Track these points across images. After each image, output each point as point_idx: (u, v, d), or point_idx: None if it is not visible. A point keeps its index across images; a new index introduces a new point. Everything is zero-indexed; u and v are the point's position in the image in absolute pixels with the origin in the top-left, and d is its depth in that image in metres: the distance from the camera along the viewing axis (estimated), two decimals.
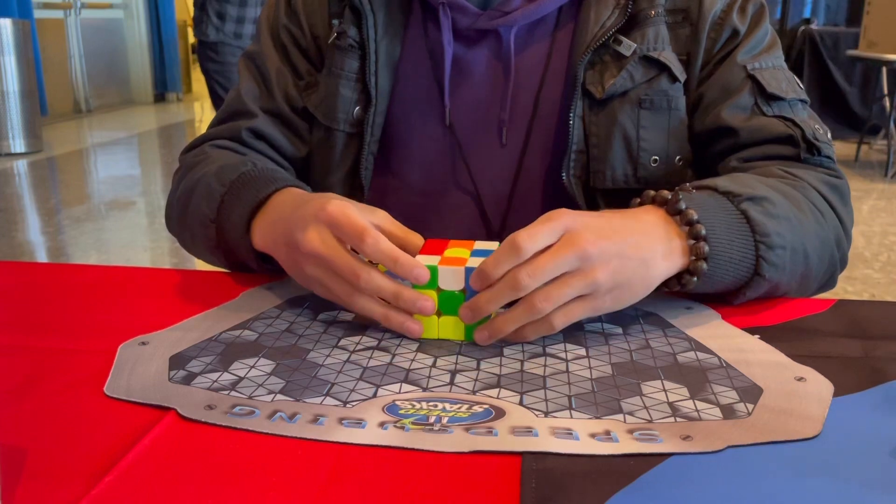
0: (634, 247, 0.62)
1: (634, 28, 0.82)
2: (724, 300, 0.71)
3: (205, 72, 3.83)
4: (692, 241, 0.65)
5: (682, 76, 0.83)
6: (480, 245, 0.66)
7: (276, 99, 0.90)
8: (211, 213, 0.76)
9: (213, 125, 0.93)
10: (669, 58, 0.82)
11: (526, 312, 0.60)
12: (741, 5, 0.84)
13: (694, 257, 0.65)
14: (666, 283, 0.67)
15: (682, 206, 0.65)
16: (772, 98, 0.81)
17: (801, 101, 0.84)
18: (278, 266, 0.72)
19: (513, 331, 0.61)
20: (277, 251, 0.70)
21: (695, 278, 0.65)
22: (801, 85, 0.85)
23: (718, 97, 0.83)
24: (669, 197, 0.67)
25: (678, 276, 0.66)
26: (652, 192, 0.69)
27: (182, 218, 0.83)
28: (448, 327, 0.64)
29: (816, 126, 0.82)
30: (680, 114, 0.83)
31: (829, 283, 0.78)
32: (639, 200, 0.70)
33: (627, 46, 0.81)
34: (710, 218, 0.66)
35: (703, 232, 0.65)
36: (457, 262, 0.63)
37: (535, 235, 0.59)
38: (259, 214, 0.73)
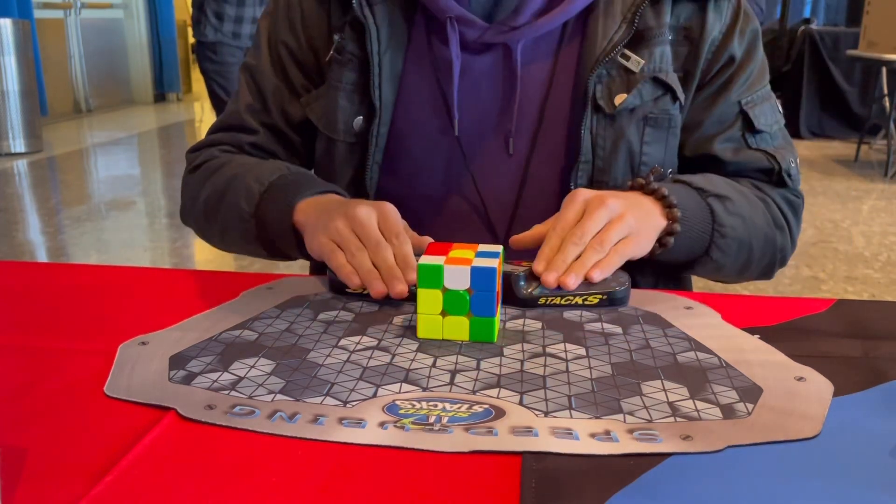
0: (637, 203, 0.76)
1: (641, 44, 0.83)
2: (678, 272, 0.86)
3: (203, 72, 3.83)
4: (667, 210, 0.78)
5: (682, 97, 0.85)
6: (484, 247, 0.67)
7: (272, 115, 0.93)
8: (250, 209, 0.82)
9: (215, 130, 0.97)
10: (673, 80, 0.85)
11: (593, 251, 0.71)
12: (740, 28, 0.87)
13: (670, 221, 0.78)
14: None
15: (654, 186, 0.79)
16: (757, 132, 0.89)
17: (780, 129, 0.92)
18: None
19: (582, 274, 0.71)
20: (316, 215, 0.77)
21: (672, 238, 0.77)
22: (780, 108, 0.93)
23: (713, 130, 0.89)
24: (643, 181, 0.80)
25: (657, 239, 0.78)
26: (641, 180, 0.80)
27: (212, 215, 0.88)
28: (452, 327, 0.64)
29: (791, 160, 0.90)
30: (677, 130, 0.88)
31: (766, 275, 0.90)
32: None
33: (636, 63, 0.83)
34: (682, 202, 0.78)
35: (675, 201, 0.78)
36: (462, 262, 0.63)
37: (568, 219, 0.73)
38: (306, 200, 0.80)
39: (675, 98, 0.85)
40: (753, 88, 0.89)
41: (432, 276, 0.63)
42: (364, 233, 0.71)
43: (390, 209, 0.74)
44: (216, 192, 0.88)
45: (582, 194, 0.74)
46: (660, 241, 0.78)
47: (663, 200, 0.78)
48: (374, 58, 0.85)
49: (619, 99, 0.83)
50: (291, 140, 0.94)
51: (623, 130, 0.84)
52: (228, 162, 0.90)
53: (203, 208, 0.90)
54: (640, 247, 0.75)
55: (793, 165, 0.90)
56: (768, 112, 0.90)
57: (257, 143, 0.94)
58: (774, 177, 0.89)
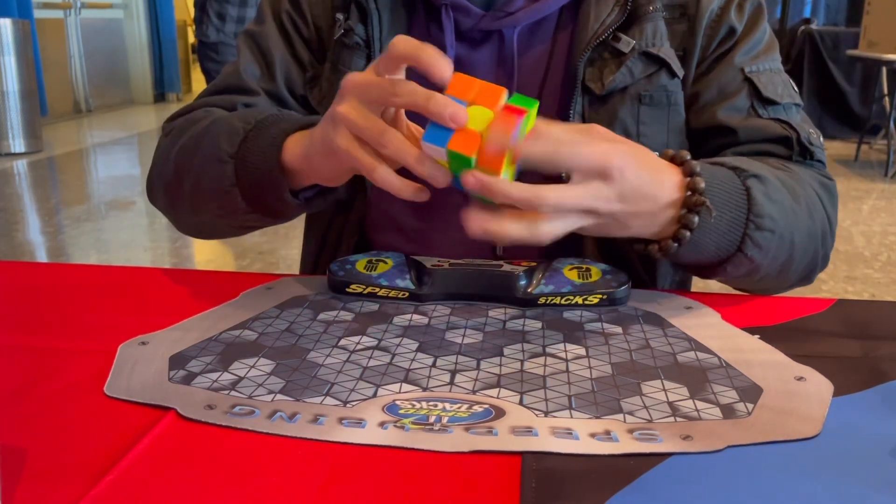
0: (644, 203, 0.63)
1: (633, 24, 0.82)
2: (705, 276, 0.72)
3: (205, 72, 3.84)
4: (684, 212, 0.65)
5: (680, 72, 0.83)
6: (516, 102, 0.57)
7: (277, 82, 0.88)
8: (231, 149, 0.73)
9: (205, 95, 0.90)
10: (668, 54, 0.82)
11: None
12: (739, 3, 0.84)
13: (685, 210, 0.65)
14: (660, 244, 0.66)
15: (697, 168, 0.65)
16: (767, 102, 0.82)
17: (796, 104, 0.84)
18: (309, 199, 0.71)
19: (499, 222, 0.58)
20: (311, 147, 0.67)
21: (688, 233, 0.64)
22: (796, 88, 0.86)
23: (715, 98, 0.83)
24: (686, 159, 0.66)
25: (663, 240, 0.67)
26: (671, 152, 0.68)
27: (186, 166, 0.79)
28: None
29: (811, 130, 0.83)
30: (679, 109, 0.84)
31: (807, 279, 0.79)
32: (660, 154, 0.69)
33: (626, 43, 0.81)
34: (713, 186, 0.66)
35: (703, 186, 0.64)
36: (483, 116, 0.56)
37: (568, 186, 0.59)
38: (290, 137, 0.71)
39: (672, 74, 0.82)
40: (759, 59, 0.84)
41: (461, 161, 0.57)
42: (364, 126, 0.61)
43: (355, 78, 0.61)
44: (193, 139, 0.79)
45: (616, 161, 0.59)
46: (674, 237, 0.66)
47: (690, 179, 0.65)
48: (375, 43, 0.84)
49: (609, 79, 0.81)
50: (295, 111, 0.88)
51: (616, 111, 0.81)
52: (211, 113, 0.82)
53: (174, 163, 0.80)
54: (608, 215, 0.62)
55: (813, 135, 0.82)
56: (779, 84, 0.83)
57: (253, 106, 0.85)
58: (795, 146, 0.81)
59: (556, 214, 0.58)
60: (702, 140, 0.85)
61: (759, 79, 0.83)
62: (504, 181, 0.57)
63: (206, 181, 0.76)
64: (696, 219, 0.64)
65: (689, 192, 0.65)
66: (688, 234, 0.65)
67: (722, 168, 0.69)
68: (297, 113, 0.81)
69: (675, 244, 0.65)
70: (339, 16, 0.86)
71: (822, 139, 0.83)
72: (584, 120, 0.82)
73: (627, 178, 0.60)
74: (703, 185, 0.64)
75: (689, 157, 0.66)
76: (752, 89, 0.82)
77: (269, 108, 0.87)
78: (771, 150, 0.81)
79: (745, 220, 0.67)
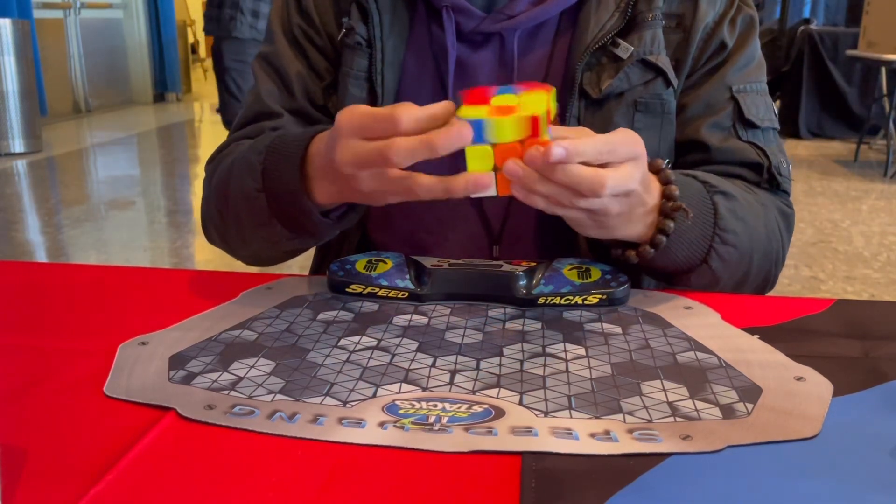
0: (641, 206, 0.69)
1: (632, 31, 0.82)
2: (671, 283, 0.78)
3: (223, 70, 3.82)
4: (661, 218, 0.70)
5: (675, 82, 0.84)
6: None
7: (297, 99, 0.89)
8: (256, 185, 0.74)
9: (235, 129, 0.92)
10: (665, 63, 0.83)
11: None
12: (731, 18, 0.85)
13: (662, 216, 0.70)
14: (638, 250, 0.71)
15: (672, 177, 0.71)
16: (748, 124, 0.85)
17: (773, 129, 0.87)
18: (342, 215, 0.73)
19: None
20: (343, 194, 0.69)
21: (664, 238, 0.70)
22: (776, 112, 0.88)
23: (701, 112, 0.85)
24: (662, 167, 0.71)
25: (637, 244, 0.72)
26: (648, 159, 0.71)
27: (224, 206, 0.81)
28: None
29: (782, 159, 0.86)
30: (671, 118, 0.85)
31: (759, 292, 0.83)
32: None
33: (625, 49, 0.82)
34: (684, 196, 0.71)
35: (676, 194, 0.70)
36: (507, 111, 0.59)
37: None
38: (308, 169, 0.72)
39: (667, 83, 0.83)
40: (747, 79, 0.86)
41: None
42: (368, 157, 0.62)
43: (347, 118, 0.63)
44: (221, 181, 0.82)
45: (638, 169, 0.64)
46: (651, 242, 0.71)
47: (665, 191, 0.70)
48: (376, 42, 0.84)
49: (606, 83, 0.81)
50: (320, 122, 0.88)
51: (611, 116, 0.82)
52: (231, 151, 0.85)
53: (215, 205, 0.83)
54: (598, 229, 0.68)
55: (783, 165, 0.86)
56: (762, 107, 0.87)
57: (279, 128, 0.87)
58: (764, 174, 0.84)
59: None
60: (680, 152, 0.87)
61: (744, 100, 0.85)
62: (573, 168, 0.60)
63: (245, 216, 0.78)
64: (672, 224, 0.69)
65: (664, 199, 0.69)
66: (664, 239, 0.70)
67: (693, 180, 0.74)
68: (299, 128, 0.83)
69: (652, 250, 0.70)
70: (344, 19, 0.86)
71: (790, 168, 0.87)
72: (579, 123, 0.82)
73: (643, 163, 0.65)
74: (677, 192, 0.70)
75: (664, 165, 0.71)
76: (736, 109, 0.85)
77: (294, 127, 0.88)
78: (741, 173, 0.84)
79: (712, 233, 0.73)
